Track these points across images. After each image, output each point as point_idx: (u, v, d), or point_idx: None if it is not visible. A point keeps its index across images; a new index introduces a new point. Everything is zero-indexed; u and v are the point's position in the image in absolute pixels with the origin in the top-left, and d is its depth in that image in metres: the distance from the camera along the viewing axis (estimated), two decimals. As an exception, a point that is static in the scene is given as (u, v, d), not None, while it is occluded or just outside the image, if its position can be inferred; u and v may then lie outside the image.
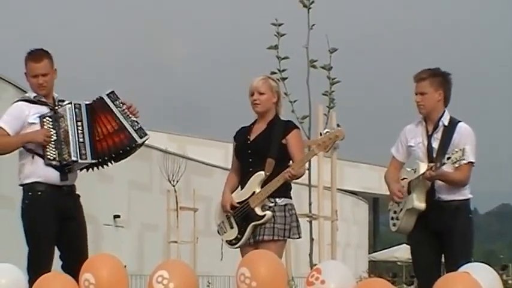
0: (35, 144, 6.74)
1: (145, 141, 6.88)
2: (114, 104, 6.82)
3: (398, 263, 40.18)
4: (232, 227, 6.93)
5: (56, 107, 6.83)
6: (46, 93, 6.87)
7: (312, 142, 7.97)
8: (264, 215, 6.76)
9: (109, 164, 6.99)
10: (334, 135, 7.00)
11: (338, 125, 8.25)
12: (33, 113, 6.78)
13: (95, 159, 6.76)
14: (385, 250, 42.63)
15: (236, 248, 6.92)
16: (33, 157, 6.77)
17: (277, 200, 6.82)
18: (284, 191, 6.85)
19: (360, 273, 24.43)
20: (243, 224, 6.84)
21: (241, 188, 6.95)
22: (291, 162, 6.90)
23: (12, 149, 6.84)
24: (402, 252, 35.90)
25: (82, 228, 6.91)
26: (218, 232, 7.08)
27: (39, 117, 6.76)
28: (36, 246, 6.72)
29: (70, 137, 6.71)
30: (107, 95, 6.85)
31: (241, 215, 6.86)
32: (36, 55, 6.85)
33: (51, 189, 6.73)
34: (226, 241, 6.99)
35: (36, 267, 6.50)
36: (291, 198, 6.95)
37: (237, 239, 6.89)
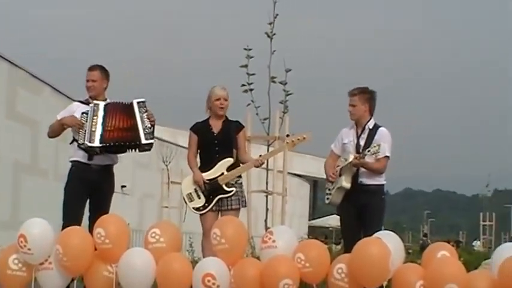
0: (73, 132, 6.87)
1: (149, 143, 6.77)
2: (139, 110, 6.78)
3: (330, 229, 40.32)
4: (199, 198, 6.93)
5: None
6: (95, 95, 6.95)
7: (263, 140, 8.03)
8: (231, 191, 6.84)
9: (118, 151, 6.94)
10: (302, 137, 7.17)
11: (310, 131, 8.30)
12: (80, 110, 6.88)
13: (101, 143, 6.69)
14: (320, 219, 42.78)
15: (202, 213, 6.92)
16: (72, 142, 6.90)
17: (236, 179, 6.95)
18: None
19: (301, 235, 24.50)
20: (210, 196, 6.85)
21: (206, 169, 6.90)
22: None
23: (56, 129, 7.02)
24: (333, 221, 36.07)
25: (106, 197, 6.91)
26: (184, 200, 7.05)
27: (81, 113, 6.84)
28: (66, 203, 6.79)
29: (86, 127, 6.68)
30: (137, 102, 6.83)
31: (210, 189, 6.85)
32: (92, 66, 7.02)
33: (82, 165, 6.80)
34: (193, 208, 6.96)
35: (65, 218, 6.62)
36: (241, 177, 7.08)
37: (204, 207, 6.90)
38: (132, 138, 6.75)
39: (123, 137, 6.76)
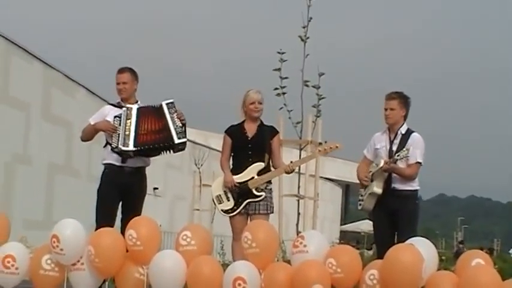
0: (106, 136, 6.93)
1: (182, 142, 6.79)
2: (169, 111, 6.82)
3: (362, 234, 40.04)
4: (228, 200, 6.93)
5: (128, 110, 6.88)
6: (126, 97, 7.01)
7: (295, 144, 8.03)
8: (260, 195, 6.84)
9: (152, 154, 6.96)
10: (335, 145, 7.17)
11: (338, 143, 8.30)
12: (112, 113, 6.94)
13: (136, 147, 6.74)
14: (352, 223, 42.53)
15: (230, 215, 6.94)
16: (105, 145, 6.96)
17: (267, 184, 6.94)
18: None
19: (333, 240, 24.39)
20: (239, 199, 6.86)
21: (237, 172, 6.91)
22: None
23: (89, 134, 7.11)
24: (365, 226, 35.82)
25: (138, 200, 6.95)
26: (213, 201, 7.07)
27: (114, 116, 6.89)
28: (99, 205, 6.85)
29: (120, 131, 6.74)
30: (166, 103, 6.86)
31: (239, 192, 6.85)
32: (121, 69, 7.07)
33: (115, 168, 6.86)
34: (222, 210, 6.97)
35: (98, 220, 6.67)
36: (271, 183, 7.07)
37: (233, 210, 6.91)
38: (165, 139, 6.78)
39: (156, 139, 6.79)
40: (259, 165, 6.84)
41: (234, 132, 7.03)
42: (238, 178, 6.89)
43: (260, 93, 7.01)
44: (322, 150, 7.17)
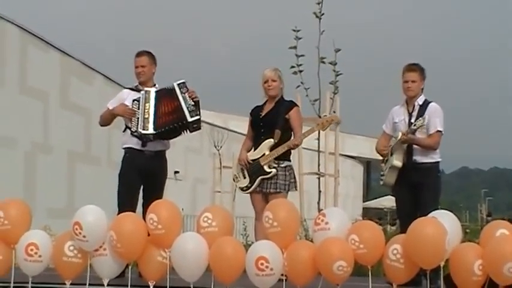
0: (125, 120, 6.93)
1: (196, 120, 6.78)
2: (180, 91, 6.81)
3: (385, 210, 39.89)
4: (245, 177, 6.99)
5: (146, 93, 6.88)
6: (144, 81, 7.01)
7: (314, 120, 7.98)
8: (270, 172, 6.81)
9: (172, 135, 6.96)
10: (330, 119, 7.28)
11: (334, 112, 8.29)
12: (130, 97, 6.94)
13: (155, 130, 6.74)
14: (375, 200, 42.43)
15: (246, 193, 6.99)
16: (125, 130, 6.96)
17: (280, 162, 6.86)
18: (285, 155, 6.89)
19: (355, 217, 24.36)
20: (253, 176, 6.89)
21: (254, 150, 6.96)
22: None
23: (107, 119, 7.12)
24: (387, 202, 35.60)
25: (159, 183, 6.95)
26: (233, 180, 7.17)
27: (132, 100, 6.90)
28: (120, 190, 6.87)
29: (139, 114, 6.75)
30: (178, 84, 6.86)
31: (253, 170, 6.88)
32: (139, 52, 7.04)
33: (135, 152, 6.86)
34: (240, 187, 7.04)
35: (120, 205, 6.71)
36: (290, 161, 6.99)
37: (248, 187, 6.95)
38: (179, 118, 6.78)
39: (171, 119, 6.80)
40: (269, 141, 6.82)
41: (253, 112, 7.10)
42: (252, 155, 6.93)
43: (275, 71, 6.95)
44: (320, 124, 7.12)
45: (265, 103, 7.05)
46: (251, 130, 7.11)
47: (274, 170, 6.80)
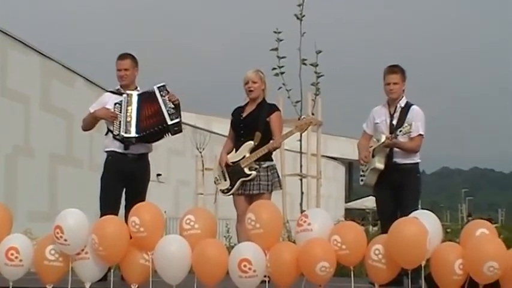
0: (107, 123, 6.90)
1: (176, 123, 6.77)
2: (160, 94, 6.79)
3: (367, 210, 40.00)
4: (225, 180, 6.97)
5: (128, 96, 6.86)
6: (126, 84, 6.97)
7: (294, 122, 7.99)
8: (250, 174, 6.80)
9: (154, 139, 6.94)
10: (309, 121, 7.26)
11: (312, 114, 8.32)
12: (112, 100, 6.91)
13: (138, 134, 6.74)
14: (357, 201, 42.57)
15: (227, 195, 6.98)
16: (107, 133, 6.93)
17: (261, 163, 6.84)
18: (267, 155, 6.87)
19: (338, 218, 24.42)
20: (234, 179, 6.88)
21: (235, 152, 6.95)
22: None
23: (89, 122, 7.09)
24: (369, 202, 35.62)
25: (142, 186, 6.93)
26: (215, 182, 7.11)
27: (114, 103, 6.87)
28: (102, 193, 6.85)
29: (121, 118, 6.73)
30: (158, 87, 6.85)
31: (233, 172, 6.86)
32: (122, 55, 7.00)
33: (118, 155, 6.84)
34: (220, 190, 7.03)
35: (102, 208, 6.69)
36: (272, 160, 6.97)
37: (228, 190, 6.95)
38: (159, 122, 6.77)
39: (152, 123, 6.79)
40: (249, 143, 6.81)
41: (235, 113, 7.07)
42: (233, 158, 6.91)
43: (256, 72, 6.93)
44: (298, 126, 7.12)
45: (246, 104, 7.03)
46: (232, 132, 7.09)
47: (254, 173, 6.78)
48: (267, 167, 6.85)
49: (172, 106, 6.78)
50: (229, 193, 6.92)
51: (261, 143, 6.79)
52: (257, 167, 6.80)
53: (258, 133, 6.79)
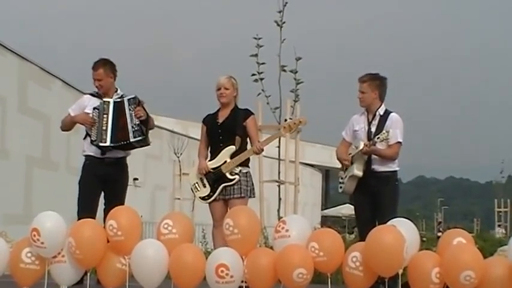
0: (86, 128, 6.90)
1: (137, 140, 6.78)
2: (129, 108, 6.80)
3: (343, 218, 40.21)
4: (205, 186, 6.92)
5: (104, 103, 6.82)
6: (104, 92, 6.94)
7: (279, 126, 7.97)
8: (234, 179, 6.79)
9: (129, 148, 6.94)
10: (298, 121, 7.18)
11: (302, 117, 8.29)
12: (91, 104, 6.92)
13: (113, 143, 6.75)
14: (333, 208, 42.72)
15: (207, 202, 6.92)
16: (85, 137, 6.94)
17: (241, 168, 6.84)
18: (246, 162, 6.89)
19: (314, 225, 24.47)
20: (215, 185, 6.83)
21: (212, 158, 6.90)
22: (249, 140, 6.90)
23: (68, 125, 7.10)
24: (346, 210, 36.00)
25: (120, 190, 6.92)
26: (192, 190, 7.04)
27: (93, 108, 6.87)
28: (80, 197, 6.85)
29: (96, 125, 6.72)
30: (128, 99, 6.84)
31: (214, 178, 6.82)
32: (95, 65, 6.96)
33: (95, 160, 6.85)
34: (200, 197, 6.96)
35: (79, 211, 6.67)
36: (249, 167, 6.97)
37: (209, 196, 6.89)
38: (124, 137, 6.77)
39: (121, 136, 6.79)
40: (230, 148, 6.80)
41: (208, 120, 7.03)
42: (212, 164, 6.87)
43: (228, 79, 6.93)
44: (286, 126, 7.10)
45: (218, 111, 7.02)
46: (206, 138, 7.04)
47: (237, 177, 6.78)
48: (246, 173, 6.87)
49: (137, 122, 6.77)
50: (210, 199, 6.87)
51: (241, 147, 6.81)
52: (237, 171, 6.81)
53: (238, 138, 6.80)
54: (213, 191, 6.85)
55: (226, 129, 6.88)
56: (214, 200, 6.86)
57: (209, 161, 6.92)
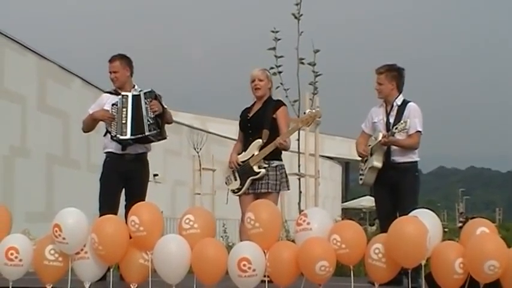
0: (106, 125, 6.89)
1: (151, 134, 6.77)
2: (145, 101, 6.79)
3: (364, 210, 40.12)
4: (236, 179, 6.95)
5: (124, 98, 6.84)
6: (119, 86, 6.98)
7: (296, 119, 7.96)
8: (259, 172, 6.78)
9: (149, 141, 6.93)
10: (314, 114, 7.08)
11: (318, 107, 8.28)
12: (110, 101, 6.91)
13: (133, 136, 6.73)
14: (354, 200, 42.63)
15: (238, 195, 6.93)
16: (105, 134, 6.95)
17: (271, 162, 6.82)
18: (276, 155, 6.85)
19: (334, 217, 24.43)
20: (244, 178, 6.86)
21: (245, 151, 6.93)
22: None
23: (89, 124, 7.08)
24: (366, 202, 35.90)
25: (141, 186, 6.92)
26: (226, 183, 7.08)
27: (111, 104, 6.87)
28: (101, 193, 6.86)
29: (116, 119, 6.74)
30: (144, 93, 6.83)
31: (243, 171, 6.86)
32: (112, 57, 6.98)
33: (116, 156, 6.87)
34: (231, 190, 6.99)
35: (101, 208, 6.70)
36: (281, 160, 6.94)
37: (239, 189, 6.91)
38: (140, 130, 6.76)
39: (139, 129, 6.77)
40: (258, 141, 6.81)
41: (242, 114, 7.09)
42: (242, 157, 6.91)
43: (262, 71, 6.98)
44: (304, 120, 7.07)
45: (253, 104, 7.04)
46: (240, 132, 7.09)
47: (263, 170, 6.77)
48: (276, 166, 6.84)
49: (152, 116, 6.77)
50: (239, 192, 6.88)
51: (269, 140, 6.78)
52: (266, 165, 6.79)
53: (265, 130, 6.79)
54: (242, 184, 6.87)
55: (254, 123, 6.90)
56: (244, 193, 6.87)
57: (242, 154, 6.96)
